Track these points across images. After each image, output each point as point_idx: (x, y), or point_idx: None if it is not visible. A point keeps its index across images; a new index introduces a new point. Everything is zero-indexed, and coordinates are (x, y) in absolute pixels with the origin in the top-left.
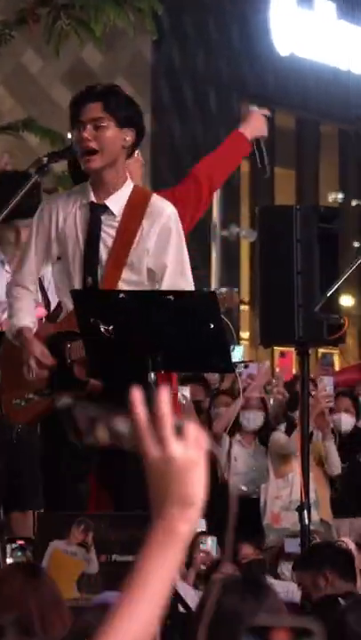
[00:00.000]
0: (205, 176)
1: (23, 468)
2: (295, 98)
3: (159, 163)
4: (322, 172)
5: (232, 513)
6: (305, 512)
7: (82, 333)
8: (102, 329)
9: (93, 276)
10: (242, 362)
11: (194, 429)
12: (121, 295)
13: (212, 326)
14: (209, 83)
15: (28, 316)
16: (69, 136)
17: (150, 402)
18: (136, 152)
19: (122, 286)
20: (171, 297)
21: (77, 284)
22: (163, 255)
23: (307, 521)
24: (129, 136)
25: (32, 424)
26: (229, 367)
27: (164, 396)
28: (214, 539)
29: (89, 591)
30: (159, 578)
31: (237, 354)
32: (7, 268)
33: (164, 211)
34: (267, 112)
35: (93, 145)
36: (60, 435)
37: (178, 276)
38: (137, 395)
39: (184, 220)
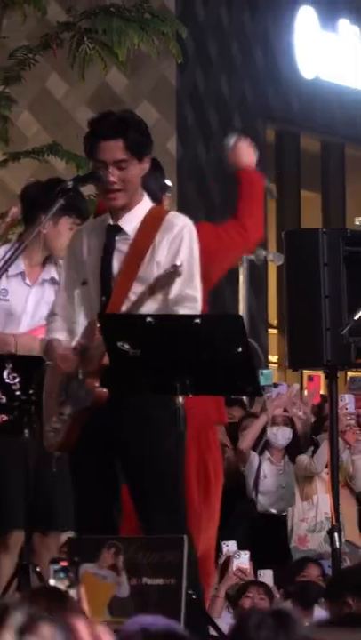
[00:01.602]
0: (250, 229)
1: (51, 489)
2: (320, 121)
3: (185, 187)
4: (348, 195)
5: None
6: (335, 535)
7: (109, 358)
8: (130, 353)
9: (107, 295)
10: (272, 385)
11: None
12: (148, 319)
13: (239, 349)
14: (234, 106)
15: (59, 334)
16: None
17: (177, 424)
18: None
19: (132, 299)
20: (198, 320)
21: (95, 305)
22: (173, 263)
23: (338, 544)
24: (146, 163)
25: (64, 450)
26: (257, 390)
27: None
28: (247, 553)
29: (120, 614)
30: None
31: (268, 377)
32: (27, 281)
33: (175, 224)
34: (246, 139)
35: (119, 186)
36: (89, 459)
37: (185, 285)
38: None
39: (219, 265)
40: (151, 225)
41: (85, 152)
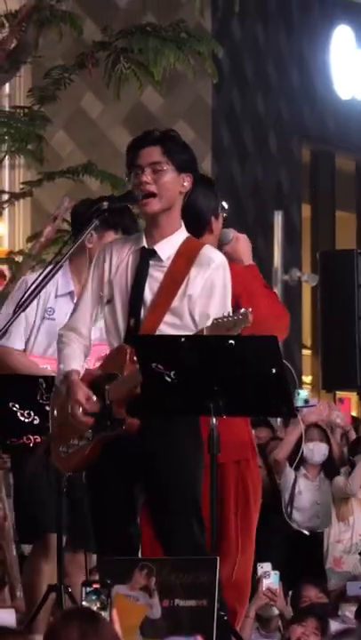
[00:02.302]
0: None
1: (83, 509)
2: (356, 141)
3: None
4: None
5: None
6: None
7: (144, 379)
8: (164, 374)
9: (136, 318)
10: (306, 406)
11: None
12: (182, 340)
13: (273, 371)
14: (269, 126)
15: (76, 360)
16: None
17: (212, 445)
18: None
19: (164, 329)
20: (232, 342)
21: (122, 327)
22: (206, 306)
23: None
24: (187, 181)
25: (78, 471)
26: (291, 411)
27: None
28: (277, 573)
29: (152, 636)
30: None
31: (303, 397)
32: (76, 300)
33: (212, 261)
34: (244, 236)
35: (153, 188)
36: (105, 480)
37: None
38: None
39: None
40: (186, 256)
41: (127, 164)
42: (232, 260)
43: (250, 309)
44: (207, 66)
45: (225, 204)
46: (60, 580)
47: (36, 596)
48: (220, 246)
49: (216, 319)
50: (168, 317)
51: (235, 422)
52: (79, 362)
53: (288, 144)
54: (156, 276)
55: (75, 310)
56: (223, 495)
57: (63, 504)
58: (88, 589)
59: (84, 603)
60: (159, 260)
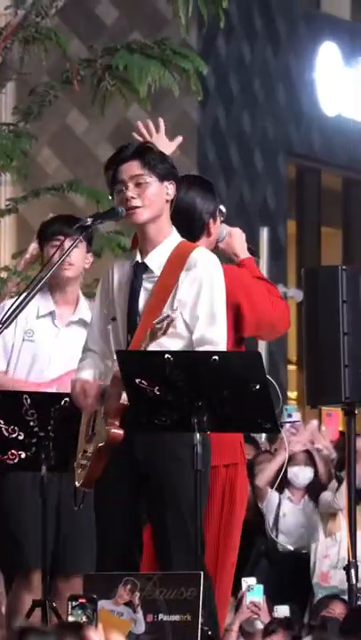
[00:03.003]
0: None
1: (71, 531)
2: (342, 158)
3: None
4: None
5: None
6: (352, 571)
7: (128, 394)
8: (148, 390)
9: (132, 333)
10: (289, 421)
11: None
12: (166, 356)
13: (257, 387)
14: (255, 143)
15: (88, 370)
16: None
17: (195, 461)
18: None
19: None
20: (216, 357)
21: (123, 343)
22: (195, 307)
23: (354, 580)
24: (170, 189)
25: (89, 487)
26: (275, 427)
27: None
28: (261, 586)
29: None
30: None
31: (294, 414)
32: (57, 322)
33: (199, 262)
34: (238, 229)
35: (137, 202)
36: (112, 495)
37: (205, 328)
38: None
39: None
40: (176, 262)
41: (107, 183)
42: (228, 255)
43: (176, 312)
44: (192, 83)
45: (223, 208)
46: (44, 596)
47: (15, 621)
48: (216, 245)
49: (150, 329)
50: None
51: None
52: (91, 372)
53: (274, 161)
54: (148, 288)
55: (88, 332)
56: (210, 499)
57: (46, 525)
58: (74, 604)
59: (69, 617)
60: (150, 272)
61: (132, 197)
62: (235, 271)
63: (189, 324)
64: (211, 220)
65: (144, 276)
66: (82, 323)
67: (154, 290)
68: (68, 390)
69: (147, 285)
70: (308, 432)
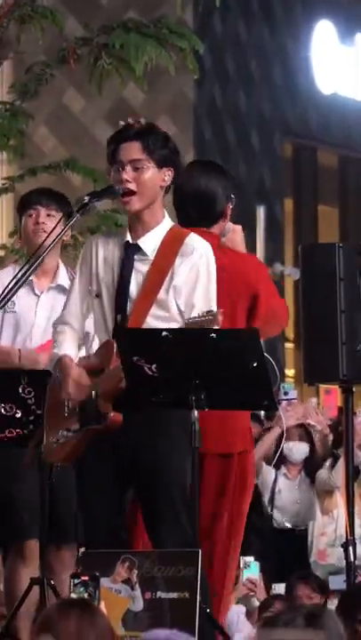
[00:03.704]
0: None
1: (59, 505)
2: (338, 136)
3: None
4: None
5: None
6: (350, 548)
7: (125, 372)
8: (145, 367)
9: (123, 313)
10: (286, 398)
11: None
12: (164, 334)
13: (254, 364)
14: (251, 121)
15: (70, 348)
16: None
17: (192, 438)
18: (239, 228)
19: (150, 322)
20: (213, 335)
21: (110, 322)
22: (191, 295)
23: (352, 557)
24: (167, 175)
25: (67, 462)
26: (272, 405)
27: None
28: (257, 564)
29: (134, 628)
30: None
31: (291, 392)
32: (36, 289)
33: (195, 250)
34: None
35: (132, 187)
36: (93, 471)
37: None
38: None
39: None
40: (170, 247)
41: (107, 159)
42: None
43: (221, 310)
44: (188, 61)
45: (233, 195)
46: (42, 573)
47: (15, 597)
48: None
49: (189, 319)
50: (155, 310)
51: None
52: (73, 350)
53: (270, 139)
54: (141, 269)
55: (65, 305)
56: (225, 489)
57: (47, 501)
58: (76, 581)
59: (72, 595)
60: (144, 254)
61: (128, 181)
62: (256, 261)
63: (183, 311)
64: (228, 205)
65: (136, 257)
66: (61, 289)
67: (148, 273)
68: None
69: (139, 267)
70: (301, 407)
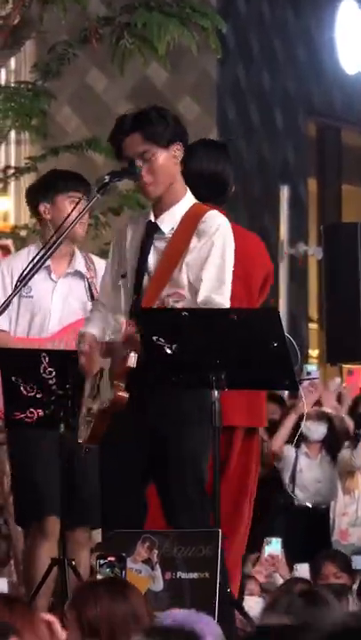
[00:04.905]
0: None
1: (82, 485)
2: None
3: None
4: None
5: None
6: None
7: (145, 351)
8: (165, 347)
9: (140, 294)
10: (308, 378)
11: None
12: (184, 314)
13: (275, 344)
14: (275, 101)
15: (95, 326)
16: None
17: (214, 417)
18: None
19: (164, 300)
20: (234, 315)
21: (128, 302)
22: (200, 270)
23: None
24: (177, 151)
25: (93, 443)
26: (293, 385)
27: None
28: (279, 540)
29: (155, 608)
30: None
31: (313, 372)
32: (53, 275)
33: (211, 227)
34: None
35: (148, 179)
36: (118, 451)
37: (213, 290)
38: None
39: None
40: (188, 225)
41: (115, 156)
42: None
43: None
44: (211, 41)
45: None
46: (63, 554)
47: (34, 576)
48: None
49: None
50: (168, 289)
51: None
52: (96, 329)
53: (294, 119)
54: (159, 248)
55: (100, 286)
56: (250, 465)
57: (66, 481)
58: (102, 562)
59: (98, 576)
60: (162, 233)
61: (143, 176)
62: (258, 239)
63: (194, 285)
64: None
65: (155, 235)
66: (78, 274)
67: (165, 252)
68: (69, 345)
69: (157, 245)
70: (316, 394)
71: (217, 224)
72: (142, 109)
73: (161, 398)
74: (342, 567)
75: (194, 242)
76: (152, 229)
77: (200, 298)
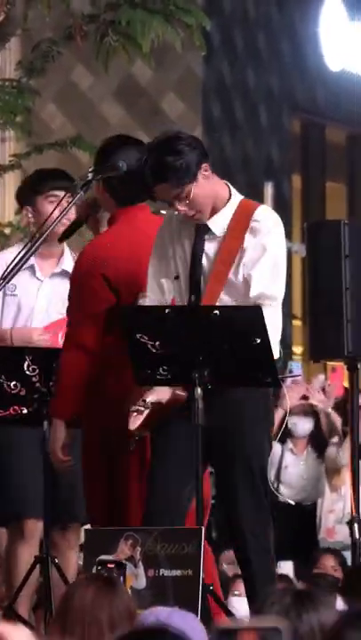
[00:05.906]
0: None
1: (64, 483)
2: (346, 112)
3: None
4: None
5: None
6: (355, 526)
7: (129, 349)
8: (149, 345)
9: (196, 294)
10: (290, 375)
11: None
12: (167, 311)
13: (257, 341)
14: (259, 98)
15: None
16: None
17: (195, 415)
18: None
19: (225, 300)
20: (216, 312)
21: (185, 303)
22: (251, 268)
23: (357, 535)
24: (205, 170)
25: (143, 432)
26: (276, 382)
27: None
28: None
29: (137, 606)
30: None
31: (296, 370)
32: (38, 274)
33: (264, 226)
34: None
35: (193, 213)
36: (169, 442)
37: (269, 285)
38: None
39: None
40: (240, 223)
41: (149, 196)
42: None
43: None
44: (196, 38)
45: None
46: (46, 552)
47: (16, 576)
48: None
49: None
50: (227, 289)
51: None
52: None
53: (278, 115)
54: (211, 249)
55: (148, 283)
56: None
57: (50, 479)
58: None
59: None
60: (213, 234)
61: (185, 210)
62: None
63: (249, 283)
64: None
65: (206, 237)
66: (65, 274)
67: (218, 253)
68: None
69: (209, 247)
70: (302, 387)
71: (268, 221)
72: (159, 159)
73: (223, 394)
74: (340, 562)
75: (248, 239)
76: (203, 231)
77: (253, 293)
